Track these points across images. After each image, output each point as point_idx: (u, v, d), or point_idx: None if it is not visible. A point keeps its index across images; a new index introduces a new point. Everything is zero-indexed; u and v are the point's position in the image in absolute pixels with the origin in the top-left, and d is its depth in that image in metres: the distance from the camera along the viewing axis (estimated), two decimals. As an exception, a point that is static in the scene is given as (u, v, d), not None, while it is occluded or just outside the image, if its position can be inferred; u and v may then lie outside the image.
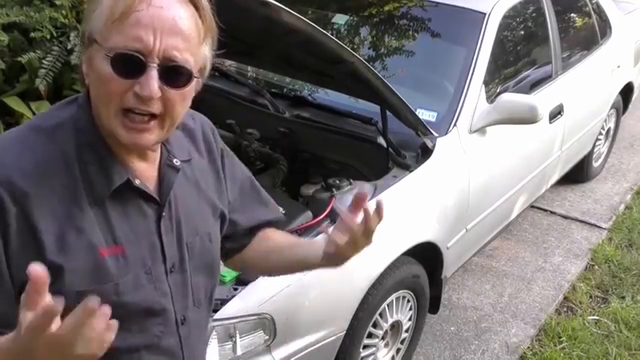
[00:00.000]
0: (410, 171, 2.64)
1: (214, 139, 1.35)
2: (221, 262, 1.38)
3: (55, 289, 0.98)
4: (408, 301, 2.79)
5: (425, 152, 2.72)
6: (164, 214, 1.17)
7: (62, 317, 1.03)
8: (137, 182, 1.13)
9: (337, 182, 2.51)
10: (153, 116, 1.07)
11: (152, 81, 1.03)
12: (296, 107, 3.06)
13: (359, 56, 2.33)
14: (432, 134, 2.75)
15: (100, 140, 1.10)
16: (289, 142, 3.02)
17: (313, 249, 1.35)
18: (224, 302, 2.07)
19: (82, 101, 1.12)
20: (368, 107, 2.81)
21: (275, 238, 1.47)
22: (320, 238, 1.36)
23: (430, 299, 2.90)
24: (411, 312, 2.84)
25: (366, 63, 2.35)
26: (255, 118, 3.07)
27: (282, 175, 2.85)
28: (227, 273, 2.18)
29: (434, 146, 2.72)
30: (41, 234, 1.03)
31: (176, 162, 1.20)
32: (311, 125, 2.94)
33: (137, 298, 1.12)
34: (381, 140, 2.72)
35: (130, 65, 1.02)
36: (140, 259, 1.13)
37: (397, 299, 2.69)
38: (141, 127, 1.06)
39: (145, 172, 1.16)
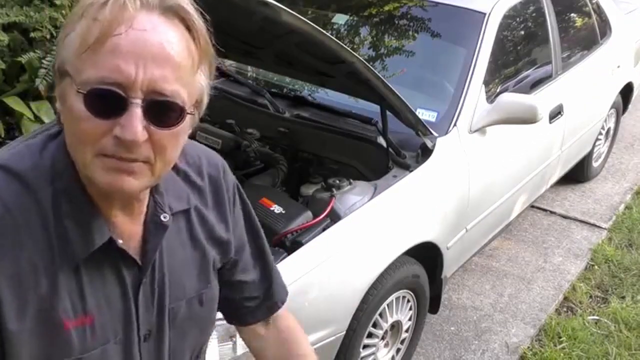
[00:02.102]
0: (410, 171, 2.64)
1: (230, 201, 1.17)
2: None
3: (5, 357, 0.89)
4: (408, 301, 2.79)
5: (425, 152, 2.72)
6: (144, 279, 1.01)
7: None
8: (119, 242, 0.96)
9: (337, 182, 2.51)
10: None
11: (136, 121, 0.84)
12: (296, 107, 3.07)
13: (358, 56, 2.33)
14: (432, 134, 2.75)
15: (80, 187, 0.93)
16: (289, 142, 3.02)
17: None
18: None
19: (62, 139, 0.94)
20: (368, 107, 2.81)
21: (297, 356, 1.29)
22: None
23: (430, 299, 2.90)
24: (411, 312, 2.84)
25: (366, 63, 2.35)
26: (255, 118, 3.07)
27: (282, 175, 2.85)
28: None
29: (434, 146, 2.72)
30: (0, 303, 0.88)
31: (164, 217, 1.01)
32: (311, 125, 2.94)
33: None
34: (381, 140, 2.72)
35: (107, 102, 0.84)
36: (112, 329, 0.98)
37: (397, 299, 2.69)
38: (124, 167, 0.87)
39: (129, 228, 0.99)
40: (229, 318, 1.26)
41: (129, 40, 0.84)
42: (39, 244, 0.91)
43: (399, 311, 2.73)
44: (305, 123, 2.96)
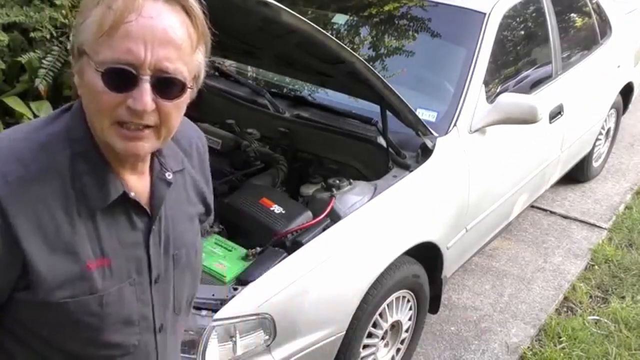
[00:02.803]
0: (410, 171, 2.64)
1: (204, 151, 1.35)
2: None
3: (38, 298, 1.04)
4: (408, 301, 2.79)
5: (425, 152, 2.72)
6: (154, 227, 1.16)
7: (43, 326, 1.08)
8: (132, 194, 1.12)
9: (337, 182, 2.51)
10: (148, 126, 1.05)
11: (145, 95, 1.01)
12: (296, 107, 3.07)
13: (358, 56, 2.33)
14: (432, 134, 2.75)
15: (95, 150, 1.09)
16: (289, 142, 3.02)
17: None
18: (224, 302, 2.07)
19: (76, 110, 1.10)
20: (368, 107, 2.81)
21: None
22: None
23: (430, 299, 2.90)
24: (411, 312, 2.84)
25: (366, 63, 2.35)
26: (255, 118, 3.07)
27: (282, 175, 2.86)
28: (227, 273, 2.18)
29: (434, 146, 2.72)
30: (27, 246, 1.02)
31: (168, 175, 1.18)
32: (311, 125, 2.94)
33: (120, 309, 1.13)
34: (381, 140, 2.72)
35: (121, 79, 1.00)
36: (126, 270, 1.13)
37: (397, 299, 2.69)
38: (136, 135, 1.04)
39: (137, 184, 1.14)
40: None
41: (139, 27, 0.99)
42: (58, 198, 1.05)
43: (399, 311, 2.73)
44: (305, 123, 2.96)
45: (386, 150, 2.68)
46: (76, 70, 1.06)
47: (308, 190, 2.64)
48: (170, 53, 1.02)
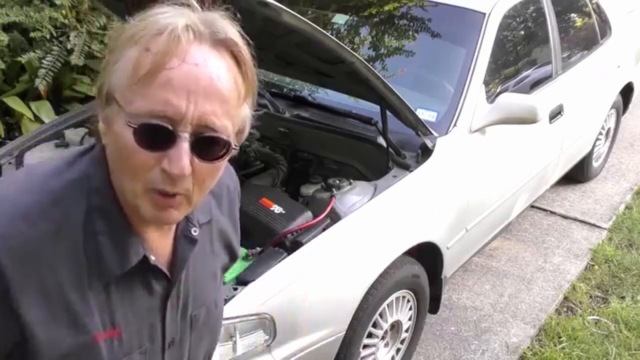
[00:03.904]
0: (410, 171, 2.65)
1: (234, 191, 1.21)
2: None
3: None
4: (408, 301, 2.79)
5: (425, 152, 2.72)
6: (172, 291, 1.03)
7: None
8: (152, 258, 0.98)
9: (337, 182, 2.51)
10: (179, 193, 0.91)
11: (184, 156, 0.86)
12: (296, 107, 3.07)
13: (358, 56, 2.33)
14: (432, 134, 2.75)
15: (116, 205, 0.94)
16: (289, 142, 3.02)
17: None
18: (225, 302, 2.07)
19: (98, 156, 0.95)
20: (368, 107, 2.81)
21: None
22: None
23: (430, 299, 2.90)
24: (411, 312, 2.84)
25: (366, 63, 2.35)
26: (254, 117, 3.06)
27: (282, 175, 2.86)
28: (228, 273, 2.18)
29: (434, 146, 2.72)
30: (25, 312, 0.88)
31: (194, 232, 1.04)
32: (311, 126, 2.94)
33: None
34: (381, 140, 2.73)
35: (157, 136, 0.86)
36: (137, 340, 1.01)
37: (397, 299, 2.69)
38: (169, 203, 0.90)
39: (159, 243, 1.01)
40: None
41: (182, 75, 0.85)
42: (68, 262, 0.91)
43: (399, 311, 2.73)
44: (305, 123, 2.96)
45: (386, 150, 2.68)
46: (103, 117, 0.92)
47: (308, 190, 2.64)
48: (216, 107, 0.87)
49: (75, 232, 0.91)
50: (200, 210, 1.06)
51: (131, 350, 1.00)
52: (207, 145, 0.88)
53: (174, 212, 0.92)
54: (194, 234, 1.03)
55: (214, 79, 0.87)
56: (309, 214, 2.42)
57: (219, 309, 1.19)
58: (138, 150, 0.86)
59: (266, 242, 2.33)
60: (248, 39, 0.94)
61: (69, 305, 0.91)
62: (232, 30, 0.92)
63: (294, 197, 2.67)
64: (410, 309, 2.83)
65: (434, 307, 2.99)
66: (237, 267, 2.22)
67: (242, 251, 2.30)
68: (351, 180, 2.56)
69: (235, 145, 0.93)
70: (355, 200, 2.48)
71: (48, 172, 0.96)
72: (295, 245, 2.29)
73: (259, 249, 2.30)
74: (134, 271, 0.96)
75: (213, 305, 1.15)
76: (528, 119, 2.89)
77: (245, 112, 0.96)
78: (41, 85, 3.55)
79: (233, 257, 1.22)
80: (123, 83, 0.87)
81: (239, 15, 0.96)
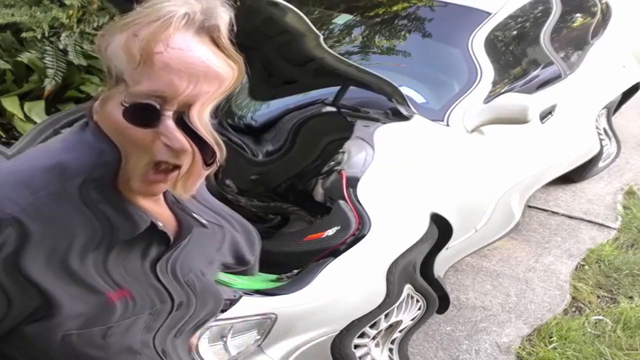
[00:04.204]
0: (382, 123, 2.61)
1: None
2: None
3: (43, 328, 0.98)
4: (417, 301, 2.78)
5: (396, 115, 2.67)
6: (174, 253, 1.10)
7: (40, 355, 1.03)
8: (159, 224, 1.05)
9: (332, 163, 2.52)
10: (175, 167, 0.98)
11: (177, 133, 0.94)
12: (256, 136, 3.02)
13: (332, 51, 2.32)
14: (409, 107, 2.72)
15: (110, 178, 1.00)
16: (264, 188, 2.97)
17: None
18: (232, 302, 2.06)
19: (93, 132, 1.01)
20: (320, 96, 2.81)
21: None
22: None
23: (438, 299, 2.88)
24: (419, 312, 2.82)
25: (339, 56, 2.34)
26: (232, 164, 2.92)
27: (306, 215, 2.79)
28: (239, 284, 2.15)
29: (410, 116, 2.68)
30: (43, 276, 0.95)
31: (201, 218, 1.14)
32: (276, 158, 2.91)
33: (123, 339, 1.07)
34: (331, 109, 2.69)
35: (145, 114, 0.93)
36: (149, 300, 1.08)
37: (406, 299, 2.68)
38: (167, 178, 0.99)
39: (158, 210, 1.08)
40: None
41: (174, 58, 0.91)
42: (78, 226, 0.98)
43: (407, 311, 2.72)
44: (270, 160, 2.92)
45: (339, 112, 2.64)
46: (105, 96, 0.98)
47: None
48: (213, 87, 0.95)
49: (75, 200, 0.98)
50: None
51: (143, 310, 1.07)
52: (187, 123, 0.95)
53: (163, 185, 1.00)
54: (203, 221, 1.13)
55: (204, 61, 0.93)
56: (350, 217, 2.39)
57: (208, 278, 1.24)
58: (128, 126, 0.94)
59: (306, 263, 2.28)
60: (234, 25, 0.99)
61: (80, 267, 0.98)
62: (222, 17, 0.97)
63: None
64: (419, 309, 2.81)
65: (443, 307, 2.96)
66: (255, 284, 2.19)
67: (268, 277, 2.26)
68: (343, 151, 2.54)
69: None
70: (361, 163, 2.45)
71: (49, 147, 1.05)
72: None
73: (295, 271, 2.26)
74: (140, 235, 1.03)
75: (200, 274, 1.20)
76: (519, 120, 2.88)
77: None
78: (49, 85, 3.53)
79: (241, 262, 1.29)
80: (125, 66, 0.93)
81: (238, 3, 1.00)
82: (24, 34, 3.50)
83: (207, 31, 0.95)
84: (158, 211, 1.09)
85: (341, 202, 2.39)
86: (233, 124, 3.13)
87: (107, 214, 1.00)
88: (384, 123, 2.59)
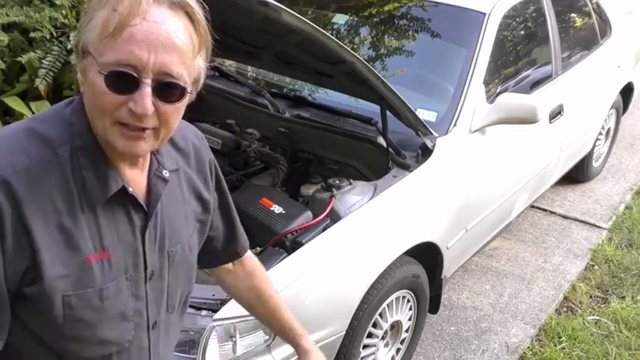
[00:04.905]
0: (410, 171, 2.64)
1: (201, 150, 1.35)
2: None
3: (41, 289, 1.05)
4: (408, 301, 2.79)
5: (425, 152, 2.72)
6: (150, 223, 1.18)
7: (46, 319, 1.08)
8: (130, 189, 1.13)
9: (337, 182, 2.51)
10: (147, 128, 1.07)
11: (146, 98, 1.03)
12: (296, 107, 3.07)
13: (358, 56, 2.33)
14: (432, 133, 2.75)
15: (96, 145, 1.10)
16: (289, 142, 3.02)
17: (290, 338, 1.62)
18: (224, 302, 2.07)
19: (78, 105, 1.12)
20: (368, 107, 2.81)
21: (264, 289, 1.59)
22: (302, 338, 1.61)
23: (430, 299, 2.90)
24: (411, 312, 2.84)
25: (366, 63, 2.35)
26: (255, 118, 3.07)
27: (282, 175, 2.86)
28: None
29: (434, 146, 2.72)
30: (34, 236, 1.03)
31: (165, 173, 1.20)
32: (311, 125, 2.94)
33: (116, 303, 1.14)
34: (381, 140, 2.72)
35: (123, 81, 1.02)
36: (123, 265, 1.15)
37: (397, 299, 2.69)
38: (137, 134, 1.06)
39: (135, 180, 1.16)
40: (200, 263, 1.42)
41: (143, 30, 1.01)
42: (60, 191, 1.07)
43: (399, 311, 2.73)
44: (305, 123, 2.96)
45: (386, 150, 2.68)
46: (80, 68, 1.08)
47: (308, 190, 2.64)
48: (173, 57, 1.03)
49: (64, 165, 1.08)
50: (169, 159, 1.24)
51: (119, 275, 1.14)
52: (166, 89, 1.05)
53: (142, 144, 1.08)
54: (165, 175, 1.20)
55: (170, 34, 1.03)
56: (309, 214, 2.42)
57: (193, 253, 1.33)
58: (108, 93, 1.02)
59: (266, 242, 2.33)
60: (203, 3, 1.10)
61: (65, 229, 1.07)
62: None
63: (294, 197, 2.67)
64: (411, 309, 2.83)
65: (434, 307, 2.98)
66: None
67: None
68: (351, 180, 2.56)
69: (191, 91, 1.10)
70: (355, 200, 2.48)
71: (38, 119, 1.14)
72: (295, 245, 2.29)
73: (258, 249, 2.30)
74: (115, 200, 1.12)
75: (187, 247, 1.29)
76: (528, 119, 2.89)
77: (200, 64, 1.11)
78: (41, 85, 3.54)
79: (206, 208, 1.36)
80: (95, 38, 1.03)
81: None
82: (32, 34, 3.51)
83: (180, 6, 1.05)
84: (137, 180, 1.17)
85: (309, 211, 2.43)
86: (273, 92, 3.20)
87: (86, 177, 1.08)
88: (412, 171, 2.65)
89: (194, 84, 1.12)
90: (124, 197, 1.13)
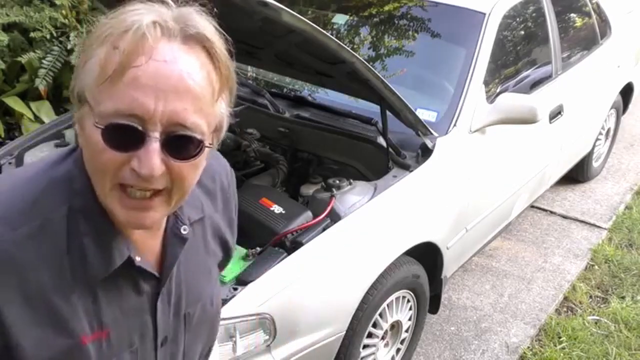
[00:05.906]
0: (410, 171, 2.65)
1: (229, 188, 1.17)
2: None
3: None
4: (408, 301, 2.79)
5: (425, 152, 2.72)
6: (163, 289, 1.01)
7: None
8: (137, 259, 0.95)
9: (337, 182, 2.51)
10: (158, 191, 0.88)
11: (153, 156, 0.83)
12: (296, 107, 3.07)
13: (358, 56, 2.33)
14: (432, 134, 2.75)
15: (98, 206, 0.91)
16: (289, 142, 3.02)
17: None
18: (224, 302, 2.07)
19: (79, 156, 0.92)
20: (368, 107, 2.81)
21: None
22: None
23: (430, 299, 2.90)
24: (411, 312, 2.84)
25: (366, 63, 2.35)
26: (255, 118, 3.07)
27: (281, 175, 2.86)
28: (227, 273, 2.18)
29: (434, 146, 2.72)
30: (5, 316, 0.86)
31: (184, 230, 1.01)
32: (311, 125, 2.94)
33: None
34: (381, 140, 2.72)
35: (125, 136, 0.83)
36: (127, 339, 0.99)
37: (397, 299, 2.69)
38: (143, 204, 0.88)
39: (147, 243, 0.98)
40: None
41: (149, 72, 0.82)
42: (50, 264, 0.89)
43: (399, 311, 2.73)
44: (305, 123, 2.96)
45: (386, 150, 2.68)
46: (77, 118, 0.90)
47: (308, 190, 2.64)
48: (187, 105, 0.84)
49: (58, 234, 0.89)
50: (192, 207, 1.04)
51: (121, 350, 0.98)
52: (179, 143, 0.85)
53: (150, 214, 0.89)
54: (184, 232, 1.01)
55: (184, 75, 0.84)
56: (308, 214, 2.42)
57: (216, 306, 1.16)
58: (106, 149, 0.84)
59: (266, 243, 2.33)
60: (225, 35, 0.91)
61: (52, 309, 0.89)
62: (205, 25, 0.88)
63: (294, 197, 2.67)
64: (410, 309, 2.83)
65: (434, 307, 2.99)
66: (237, 267, 2.22)
67: (242, 251, 2.30)
68: (351, 180, 2.56)
69: (211, 144, 0.91)
70: (355, 201, 2.48)
71: (32, 172, 0.94)
72: (295, 245, 2.29)
73: (259, 249, 2.30)
74: (120, 272, 0.94)
75: (209, 303, 1.12)
76: (528, 119, 2.89)
77: (221, 109, 0.92)
78: (41, 85, 3.55)
79: (228, 254, 1.19)
80: (92, 83, 0.84)
81: (216, 10, 0.93)
82: (32, 34, 3.52)
83: (196, 40, 0.86)
84: (150, 243, 0.99)
85: (309, 211, 2.42)
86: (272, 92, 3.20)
87: (86, 246, 0.90)
88: (412, 171, 2.64)
89: (215, 134, 0.93)
90: (131, 268, 0.95)
